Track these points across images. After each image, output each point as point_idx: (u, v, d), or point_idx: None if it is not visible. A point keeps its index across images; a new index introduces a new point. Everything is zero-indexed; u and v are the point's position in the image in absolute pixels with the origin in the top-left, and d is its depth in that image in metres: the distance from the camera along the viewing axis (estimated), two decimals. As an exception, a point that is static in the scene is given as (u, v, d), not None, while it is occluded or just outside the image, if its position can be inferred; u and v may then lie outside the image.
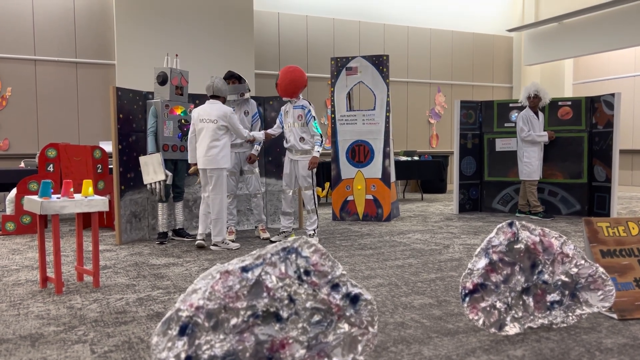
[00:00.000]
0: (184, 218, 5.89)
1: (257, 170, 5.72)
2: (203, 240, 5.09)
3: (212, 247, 5.04)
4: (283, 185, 5.40)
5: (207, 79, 8.17)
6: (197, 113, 4.95)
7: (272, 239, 5.48)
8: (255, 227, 5.78)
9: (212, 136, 4.85)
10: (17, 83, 7.92)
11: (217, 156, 4.87)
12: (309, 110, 5.23)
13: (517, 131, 6.95)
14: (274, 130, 5.46)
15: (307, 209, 5.30)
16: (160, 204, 5.38)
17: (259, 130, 5.67)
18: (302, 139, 5.23)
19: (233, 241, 5.38)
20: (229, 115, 4.89)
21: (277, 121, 5.45)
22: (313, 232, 5.33)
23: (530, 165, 6.84)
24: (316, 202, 5.33)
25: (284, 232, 5.45)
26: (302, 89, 5.27)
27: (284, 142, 5.36)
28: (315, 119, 5.24)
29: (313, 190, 5.28)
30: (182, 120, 5.44)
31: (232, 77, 5.66)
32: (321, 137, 5.24)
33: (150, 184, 5.20)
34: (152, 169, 5.17)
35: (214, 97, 5.00)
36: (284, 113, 5.36)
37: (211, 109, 4.89)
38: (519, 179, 7.22)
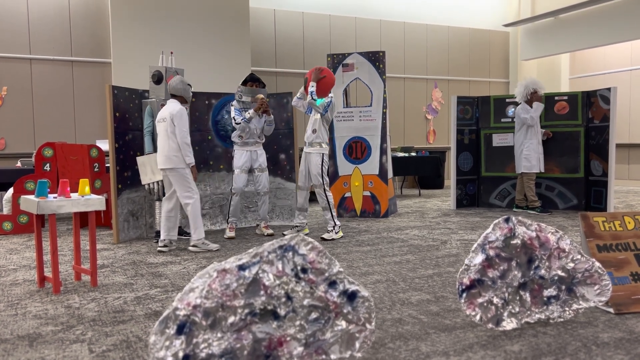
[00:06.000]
0: (182, 216, 5.88)
1: (266, 170, 5.72)
2: (165, 246, 4.85)
3: (190, 249, 4.88)
4: (298, 182, 5.54)
5: (203, 77, 8.19)
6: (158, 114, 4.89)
7: (285, 232, 5.60)
8: (257, 224, 5.78)
9: (165, 135, 4.71)
10: (13, 82, 7.89)
11: (171, 156, 4.69)
12: (331, 101, 5.31)
13: (520, 121, 6.85)
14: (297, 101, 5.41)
15: (322, 206, 5.43)
16: (157, 203, 5.37)
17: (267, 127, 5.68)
18: (314, 130, 5.33)
19: (229, 238, 5.40)
20: (175, 114, 4.67)
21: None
22: (332, 228, 5.38)
23: (531, 159, 6.83)
24: (330, 200, 5.38)
25: (297, 226, 5.56)
26: (331, 88, 5.37)
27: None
28: (326, 104, 5.27)
29: (324, 189, 5.35)
30: None
31: (252, 81, 5.61)
32: (318, 105, 5.25)
33: (148, 184, 5.20)
34: (150, 169, 5.16)
35: (172, 96, 4.87)
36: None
37: (165, 109, 4.78)
38: (515, 174, 7.24)
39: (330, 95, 5.34)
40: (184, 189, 4.75)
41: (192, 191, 4.78)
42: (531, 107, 6.87)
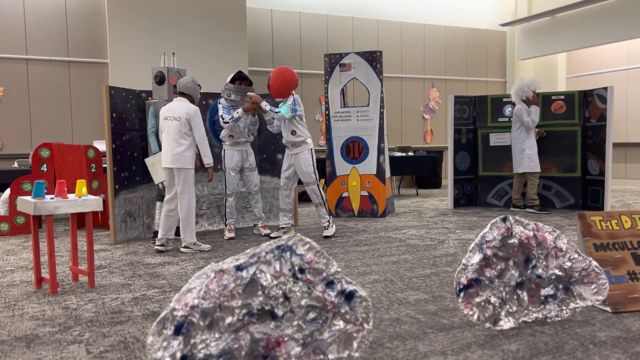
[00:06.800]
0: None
1: (256, 169, 5.72)
2: (163, 245, 4.87)
3: (182, 250, 4.87)
4: (281, 183, 5.43)
5: (200, 77, 8.18)
6: (163, 111, 4.83)
7: (272, 234, 5.54)
8: (255, 225, 5.78)
9: (177, 134, 4.72)
10: (10, 83, 7.87)
11: (182, 155, 4.71)
12: (293, 100, 5.22)
13: (519, 120, 6.85)
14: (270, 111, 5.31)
15: (315, 203, 5.40)
16: (157, 203, 5.37)
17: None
18: (293, 132, 5.26)
19: (226, 238, 5.40)
20: (192, 114, 4.72)
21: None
22: (328, 223, 5.43)
23: (534, 158, 6.83)
24: (323, 195, 5.39)
25: (283, 227, 5.50)
26: (293, 89, 5.29)
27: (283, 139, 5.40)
28: (291, 105, 5.20)
29: (317, 185, 5.33)
30: None
31: (240, 79, 5.60)
32: (284, 114, 5.18)
33: (162, 182, 5.19)
34: (160, 168, 5.16)
35: (181, 94, 4.88)
36: None
37: (177, 107, 4.77)
38: (513, 173, 7.24)
39: (291, 95, 5.25)
40: (186, 189, 4.77)
41: (192, 193, 4.81)
42: (529, 107, 6.87)
